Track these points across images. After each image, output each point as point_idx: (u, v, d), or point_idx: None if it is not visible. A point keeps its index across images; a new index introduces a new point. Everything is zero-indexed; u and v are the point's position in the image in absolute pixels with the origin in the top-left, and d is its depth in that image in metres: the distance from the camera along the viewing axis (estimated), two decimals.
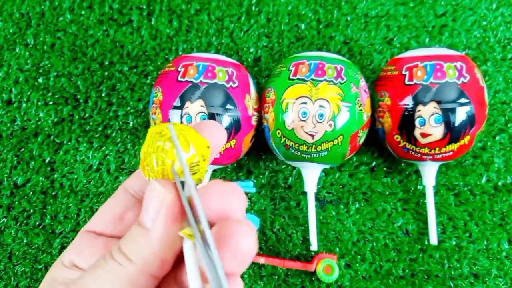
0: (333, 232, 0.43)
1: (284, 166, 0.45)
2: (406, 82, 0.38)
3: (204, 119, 0.37)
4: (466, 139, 0.37)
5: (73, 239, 0.44)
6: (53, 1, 0.49)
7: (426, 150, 0.38)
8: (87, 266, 0.20)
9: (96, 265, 0.18)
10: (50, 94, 0.47)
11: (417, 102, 0.37)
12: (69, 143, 0.46)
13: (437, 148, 0.38)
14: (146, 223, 0.18)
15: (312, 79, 0.37)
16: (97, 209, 0.44)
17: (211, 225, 0.18)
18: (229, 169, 0.45)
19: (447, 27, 0.47)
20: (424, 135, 0.37)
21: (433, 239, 0.41)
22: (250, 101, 0.39)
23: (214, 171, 0.44)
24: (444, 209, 0.43)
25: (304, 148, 0.38)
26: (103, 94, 0.47)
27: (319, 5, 0.48)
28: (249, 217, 0.43)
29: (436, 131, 0.37)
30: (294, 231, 0.43)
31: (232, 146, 0.39)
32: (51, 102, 0.47)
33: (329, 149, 0.38)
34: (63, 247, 0.44)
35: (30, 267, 0.44)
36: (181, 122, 0.38)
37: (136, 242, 0.18)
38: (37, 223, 0.44)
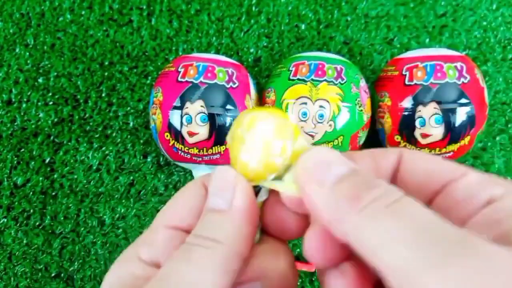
0: None
1: None
2: (406, 82, 0.38)
3: (204, 119, 0.37)
4: (466, 139, 0.37)
5: (73, 239, 0.44)
6: (53, 1, 0.49)
7: (426, 151, 0.38)
8: None
9: (181, 257, 0.17)
10: (50, 94, 0.47)
11: (417, 102, 0.37)
12: (69, 143, 0.46)
13: (437, 149, 0.38)
14: (220, 205, 0.18)
15: (312, 79, 0.37)
16: (97, 210, 0.45)
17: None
18: None
19: (447, 27, 0.47)
20: (425, 136, 0.37)
21: None
22: (250, 102, 0.39)
23: None
24: None
25: None
26: (103, 94, 0.47)
27: (319, 5, 0.48)
28: None
29: (436, 132, 0.37)
30: None
31: None
32: (51, 102, 0.47)
33: None
34: (63, 247, 0.44)
35: (30, 267, 0.44)
36: (181, 122, 0.38)
37: (217, 225, 0.17)
38: (37, 224, 0.44)
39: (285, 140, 0.18)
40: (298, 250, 0.43)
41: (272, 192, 0.19)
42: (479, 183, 0.15)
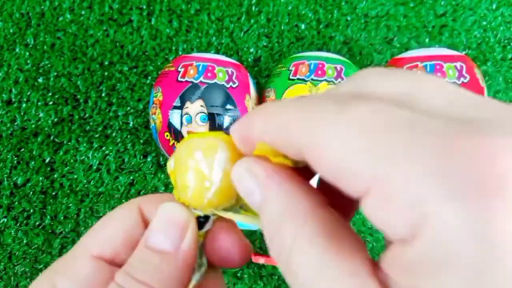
0: None
1: None
2: None
3: (204, 119, 0.37)
4: None
5: (73, 239, 0.44)
6: (53, 1, 0.49)
7: None
8: None
9: None
10: (50, 94, 0.47)
11: None
12: (69, 143, 0.46)
13: None
14: (163, 246, 0.16)
15: (312, 79, 0.37)
16: (97, 210, 0.45)
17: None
18: None
19: (447, 27, 0.47)
20: None
21: None
22: (250, 101, 0.39)
23: None
24: None
25: None
26: (103, 94, 0.47)
27: (319, 5, 0.48)
28: None
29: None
30: None
31: None
32: (51, 102, 0.47)
33: None
34: (63, 247, 0.44)
35: (30, 267, 0.44)
36: (181, 122, 0.38)
37: (155, 268, 0.15)
38: (37, 223, 0.44)
39: (211, 161, 0.16)
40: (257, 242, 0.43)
41: (217, 220, 0.18)
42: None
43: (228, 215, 0.17)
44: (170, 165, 0.17)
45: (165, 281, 0.15)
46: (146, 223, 0.17)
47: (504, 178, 0.09)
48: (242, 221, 0.16)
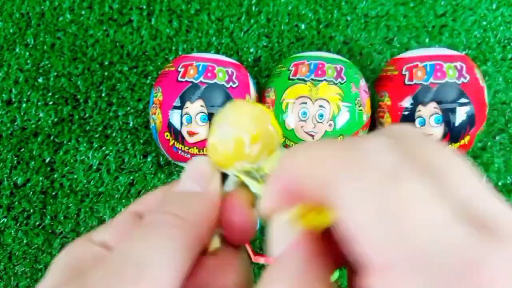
0: None
1: None
2: (406, 82, 0.38)
3: (204, 119, 0.37)
4: (466, 139, 0.37)
5: (73, 239, 0.44)
6: (53, 1, 0.49)
7: None
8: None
9: (139, 235, 0.15)
10: (50, 94, 0.47)
11: (417, 102, 0.37)
12: (69, 143, 0.46)
13: None
14: (193, 188, 0.17)
15: (312, 79, 0.37)
16: (97, 209, 0.45)
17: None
18: None
19: (447, 27, 0.47)
20: None
21: None
22: (250, 101, 0.39)
23: None
24: None
25: None
26: (103, 94, 0.47)
27: (319, 5, 0.48)
28: None
29: (436, 131, 0.37)
30: None
31: None
32: (51, 102, 0.47)
33: None
34: (63, 247, 0.44)
35: (30, 267, 0.44)
36: (181, 122, 0.38)
37: (185, 203, 0.17)
38: (37, 223, 0.44)
39: (258, 130, 0.18)
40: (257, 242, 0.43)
41: (240, 191, 0.19)
42: None
43: (247, 180, 0.18)
44: (213, 126, 0.19)
45: (196, 214, 0.16)
46: None
47: None
48: (255, 190, 0.18)
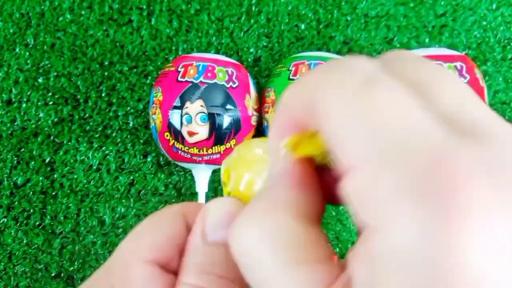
0: (333, 232, 0.43)
1: None
2: None
3: (204, 119, 0.37)
4: None
5: (73, 239, 0.44)
6: (53, 1, 0.49)
7: None
8: None
9: None
10: (50, 94, 0.47)
11: None
12: (69, 143, 0.46)
13: None
14: (223, 237, 0.15)
15: None
16: (97, 209, 0.45)
17: None
18: None
19: (447, 27, 0.47)
20: None
21: None
22: (250, 101, 0.39)
23: (214, 171, 0.44)
24: None
25: None
26: (103, 94, 0.47)
27: (319, 5, 0.48)
28: None
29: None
30: None
31: (232, 146, 0.39)
32: (51, 102, 0.47)
33: None
34: (63, 247, 0.44)
35: (30, 267, 0.44)
36: (181, 122, 0.38)
37: (223, 259, 0.15)
38: (37, 223, 0.44)
39: (265, 171, 0.17)
40: None
41: None
42: (355, 199, 0.11)
43: None
44: (226, 163, 0.18)
45: (234, 270, 0.14)
46: (189, 230, 0.17)
47: (469, 207, 0.09)
48: None
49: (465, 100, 0.12)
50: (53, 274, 0.44)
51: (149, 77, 0.47)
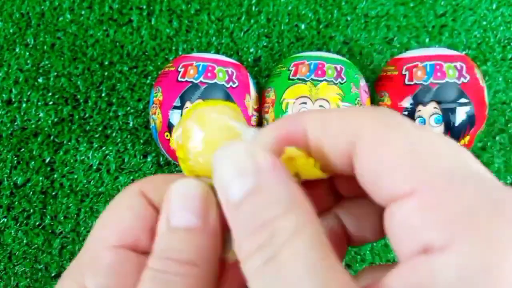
0: None
1: None
2: (406, 82, 0.38)
3: None
4: (466, 139, 0.37)
5: (73, 239, 0.44)
6: (53, 1, 0.49)
7: None
8: None
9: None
10: (50, 94, 0.47)
11: (417, 102, 0.37)
12: (69, 143, 0.46)
13: None
14: (191, 222, 0.15)
15: (312, 79, 0.37)
16: (97, 209, 0.45)
17: None
18: None
19: (447, 27, 0.47)
20: None
21: None
22: (250, 101, 0.39)
23: None
24: None
25: None
26: (103, 94, 0.47)
27: (319, 5, 0.48)
28: None
29: (436, 131, 0.37)
30: None
31: None
32: (51, 102, 0.47)
33: None
34: (63, 247, 0.44)
35: (30, 267, 0.44)
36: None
37: (190, 245, 0.15)
38: (37, 223, 0.44)
39: (241, 125, 0.16)
40: None
41: None
42: (419, 218, 0.12)
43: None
44: (176, 137, 0.17)
45: (202, 253, 0.15)
46: (153, 207, 0.17)
47: None
48: None
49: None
50: (53, 274, 0.44)
51: (149, 77, 0.47)
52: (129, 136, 0.46)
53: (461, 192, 0.11)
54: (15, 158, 0.46)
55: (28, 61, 0.48)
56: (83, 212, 0.44)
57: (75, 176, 0.45)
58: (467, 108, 0.36)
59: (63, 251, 0.44)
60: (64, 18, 0.49)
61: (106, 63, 0.47)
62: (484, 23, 0.48)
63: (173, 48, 0.48)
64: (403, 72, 0.38)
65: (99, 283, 0.15)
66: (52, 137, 0.46)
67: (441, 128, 0.37)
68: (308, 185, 0.15)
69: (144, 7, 0.48)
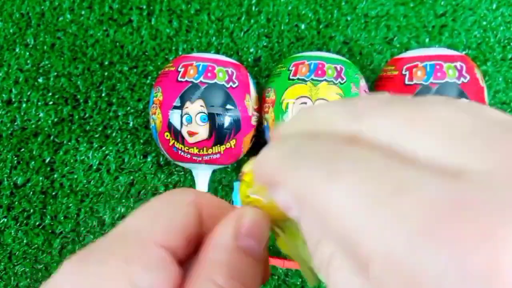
0: None
1: None
2: (406, 82, 0.38)
3: (204, 119, 0.37)
4: None
5: (73, 239, 0.44)
6: (53, 1, 0.49)
7: None
8: None
9: None
10: (50, 94, 0.47)
11: None
12: (69, 143, 0.46)
13: None
14: (255, 249, 0.17)
15: (312, 79, 0.37)
16: (97, 210, 0.45)
17: None
18: (229, 169, 0.45)
19: (447, 27, 0.47)
20: None
21: None
22: (250, 101, 0.39)
23: (214, 171, 0.44)
24: None
25: None
26: (103, 94, 0.47)
27: (319, 5, 0.48)
28: None
29: None
30: None
31: (232, 146, 0.39)
32: (51, 102, 0.47)
33: None
34: (63, 247, 0.44)
35: (30, 267, 0.44)
36: (181, 122, 0.38)
37: (249, 271, 0.16)
38: (37, 223, 0.44)
39: None
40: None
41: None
42: None
43: (281, 234, 0.18)
44: (249, 166, 0.18)
45: (255, 280, 0.16)
46: (200, 221, 0.17)
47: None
48: (290, 253, 0.19)
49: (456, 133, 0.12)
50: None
51: (149, 77, 0.47)
52: (129, 136, 0.46)
53: None
54: (15, 158, 0.46)
55: (28, 61, 0.48)
56: (83, 212, 0.44)
57: (75, 176, 0.45)
58: None
59: (63, 251, 0.44)
60: (64, 18, 0.49)
61: (106, 63, 0.47)
62: (484, 23, 0.48)
63: (173, 48, 0.48)
64: (403, 72, 0.38)
65: (148, 282, 0.15)
66: (52, 137, 0.46)
67: None
68: None
69: (144, 7, 0.48)
